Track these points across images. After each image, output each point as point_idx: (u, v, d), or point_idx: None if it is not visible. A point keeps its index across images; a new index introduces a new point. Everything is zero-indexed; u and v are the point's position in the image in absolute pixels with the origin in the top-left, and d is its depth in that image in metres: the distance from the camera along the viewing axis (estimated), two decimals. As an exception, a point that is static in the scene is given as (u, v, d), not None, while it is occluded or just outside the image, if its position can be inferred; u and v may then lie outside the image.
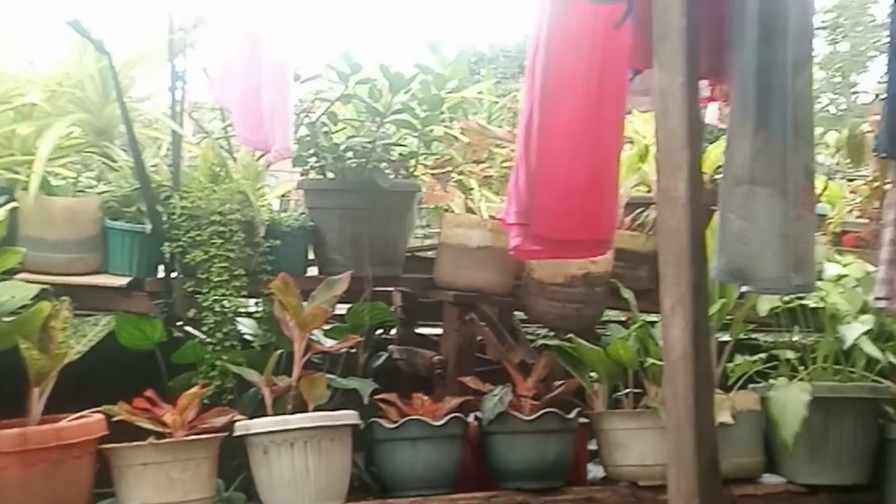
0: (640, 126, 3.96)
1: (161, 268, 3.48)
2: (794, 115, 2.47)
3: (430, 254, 4.02)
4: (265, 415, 3.18)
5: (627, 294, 3.64)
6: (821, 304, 3.55)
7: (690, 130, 2.17)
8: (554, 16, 2.85)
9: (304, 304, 3.33)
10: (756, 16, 2.41)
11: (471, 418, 3.43)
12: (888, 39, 2.79)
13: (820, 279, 3.61)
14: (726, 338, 3.64)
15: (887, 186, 3.94)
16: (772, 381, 3.49)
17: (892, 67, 2.74)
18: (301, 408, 3.21)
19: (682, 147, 2.18)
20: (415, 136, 3.83)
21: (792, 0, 2.49)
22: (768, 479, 3.51)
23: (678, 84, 2.16)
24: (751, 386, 3.56)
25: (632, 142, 4.08)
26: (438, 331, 3.80)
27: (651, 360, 3.41)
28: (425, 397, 3.42)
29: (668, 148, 2.21)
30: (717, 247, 2.48)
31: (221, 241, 3.37)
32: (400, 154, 3.84)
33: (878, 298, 2.87)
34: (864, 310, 3.52)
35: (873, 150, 2.90)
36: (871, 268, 3.67)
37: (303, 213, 3.87)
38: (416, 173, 3.90)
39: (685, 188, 2.18)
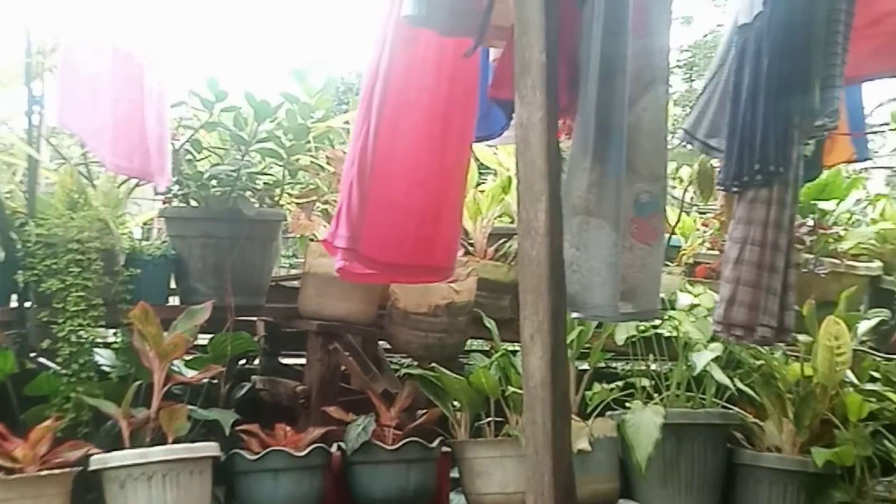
0: (504, 158, 4.04)
1: (14, 297, 3.38)
2: (630, 149, 2.59)
3: (294, 283, 4.01)
4: (122, 448, 3.11)
5: (490, 323, 3.70)
6: (674, 333, 3.67)
7: (550, 162, 2.22)
8: (397, 43, 2.87)
9: (165, 333, 3.27)
10: (598, 55, 2.51)
11: (334, 448, 3.42)
12: (726, 82, 2.93)
13: (673, 308, 3.75)
14: (585, 366, 3.74)
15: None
16: (628, 406, 3.59)
17: (732, 108, 2.87)
18: (160, 440, 3.15)
19: (541, 178, 2.23)
20: (280, 165, 3.82)
21: (634, 41, 2.60)
22: (624, 504, 3.61)
23: (538, 118, 2.22)
24: (608, 413, 3.65)
25: (496, 173, 4.16)
26: (302, 361, 3.78)
27: (512, 389, 3.47)
28: (288, 428, 3.40)
29: (529, 179, 2.26)
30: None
31: (79, 269, 3.29)
32: (265, 183, 3.83)
33: (714, 323, 2.94)
34: (714, 338, 3.66)
35: (717, 184, 3.03)
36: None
37: (165, 242, 3.81)
38: (281, 202, 3.89)
39: (545, 218, 2.23)
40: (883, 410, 3.50)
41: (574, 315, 2.88)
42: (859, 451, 3.45)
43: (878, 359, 3.75)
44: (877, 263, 4.31)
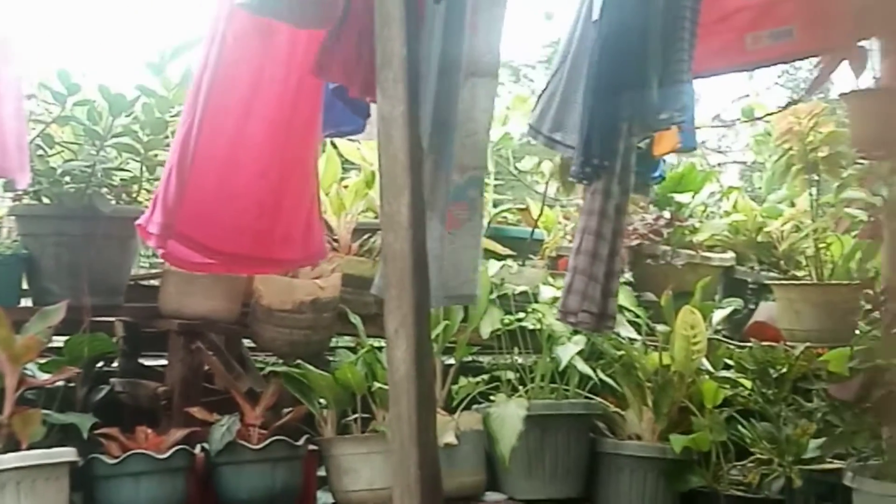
0: (368, 153, 4.03)
1: None
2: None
3: (154, 282, 3.91)
4: (-28, 455, 2.98)
5: (355, 319, 3.68)
6: (538, 326, 3.73)
7: (412, 156, 2.23)
8: (234, 32, 2.85)
9: (17, 336, 3.15)
10: (439, 51, 2.54)
11: (198, 450, 3.35)
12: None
13: (536, 301, 3.81)
14: (451, 361, 3.76)
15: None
16: (493, 399, 3.63)
17: (591, 102, 2.94)
18: (13, 447, 3.02)
19: (404, 171, 2.23)
20: (138, 161, 3.71)
21: (471, 39, 2.65)
22: (490, 496, 3.64)
23: (400, 111, 2.21)
24: (474, 407, 3.68)
25: (359, 169, 4.14)
26: (164, 361, 3.69)
27: (378, 384, 3.47)
28: (149, 430, 3.31)
29: (391, 173, 2.26)
30: (381, 264, 2.57)
31: (-77, 270, 3.14)
32: (122, 179, 3.71)
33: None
34: (576, 331, 3.73)
35: (570, 175, 3.09)
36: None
37: (16, 241, 3.66)
38: (139, 199, 3.78)
39: (408, 212, 2.23)
40: (736, 396, 3.64)
41: None
42: (715, 436, 3.58)
43: (732, 347, 3.89)
44: (730, 254, 4.47)
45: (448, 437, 3.45)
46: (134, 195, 3.74)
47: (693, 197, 4.61)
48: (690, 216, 4.57)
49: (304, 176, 3.14)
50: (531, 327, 3.77)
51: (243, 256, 3.12)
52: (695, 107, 3.71)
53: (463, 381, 3.71)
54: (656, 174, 3.52)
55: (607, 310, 2.88)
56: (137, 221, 3.01)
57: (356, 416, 3.58)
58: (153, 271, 4.35)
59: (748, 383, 3.62)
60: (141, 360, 3.87)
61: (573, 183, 4.26)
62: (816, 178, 3.68)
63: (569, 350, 3.60)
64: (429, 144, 2.56)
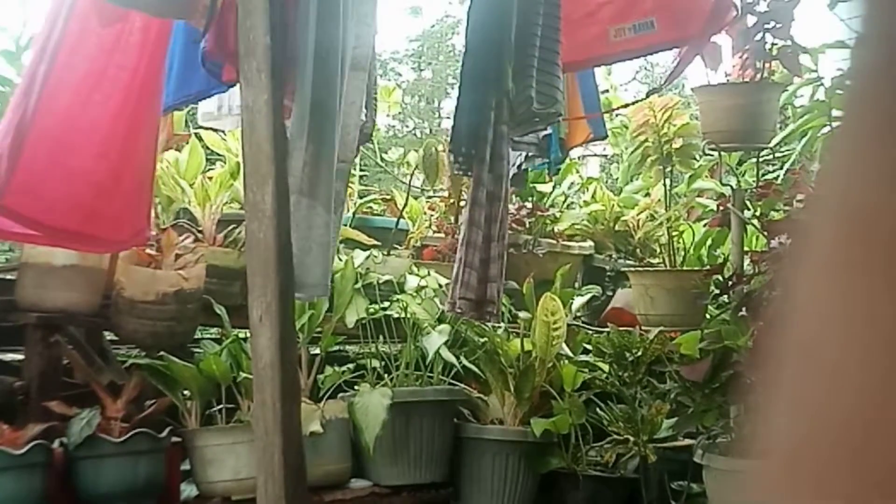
0: (233, 144, 4.00)
1: None
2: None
3: (10, 276, 3.80)
4: None
5: (220, 310, 3.66)
6: (403, 315, 3.78)
7: (276, 145, 2.24)
8: (80, 19, 2.83)
9: None
10: (313, 38, 2.55)
11: (56, 444, 3.28)
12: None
13: (401, 291, 3.86)
14: (317, 350, 3.77)
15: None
16: (358, 388, 3.66)
17: (460, 93, 3.00)
18: None
19: (268, 160, 2.25)
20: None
21: (344, 31, 2.68)
22: (356, 483, 3.67)
23: (263, 100, 2.23)
24: (340, 395, 3.70)
25: (224, 159, 4.11)
26: (21, 356, 3.60)
27: (244, 375, 3.45)
28: (5, 426, 3.22)
29: (255, 162, 2.27)
30: None
31: None
32: (-26, 168, 3.60)
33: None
34: (440, 319, 3.80)
35: (452, 164, 3.15)
36: (444, 280, 3.97)
37: None
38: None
39: (272, 201, 2.25)
40: (595, 380, 3.76)
41: (296, 296, 2.93)
42: (574, 419, 3.70)
43: (591, 332, 4.02)
44: (589, 243, 4.61)
45: (314, 426, 3.46)
46: (-13, 185, 3.63)
47: (554, 188, 4.73)
48: (552, 206, 4.69)
49: (145, 158, 3.16)
50: (396, 316, 3.81)
51: (71, 232, 3.11)
52: (598, 95, 3.83)
53: (329, 370, 3.72)
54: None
55: (486, 295, 2.93)
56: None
57: (221, 406, 3.56)
58: (9, 265, 4.23)
59: (606, 367, 3.74)
60: (-4, 355, 3.76)
61: (437, 173, 4.36)
62: (670, 169, 3.82)
63: (434, 340, 3.65)
64: (309, 134, 2.56)
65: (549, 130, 3.66)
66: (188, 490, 3.61)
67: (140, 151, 3.11)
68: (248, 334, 2.60)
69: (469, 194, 2.93)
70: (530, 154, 3.29)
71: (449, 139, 2.98)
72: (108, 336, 3.83)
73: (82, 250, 3.42)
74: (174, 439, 3.49)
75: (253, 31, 2.25)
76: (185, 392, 3.55)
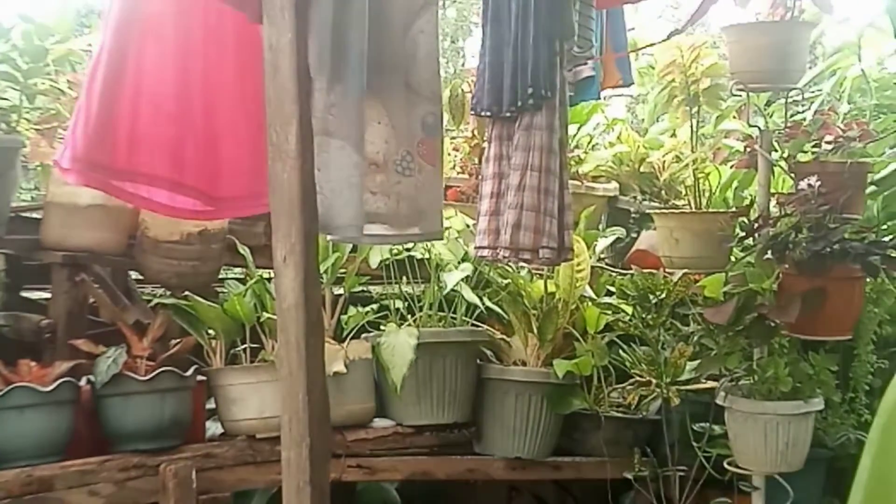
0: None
1: None
2: (411, 73, 2.60)
3: (36, 214, 3.82)
4: None
5: (244, 250, 3.67)
6: (426, 255, 3.78)
7: (300, 85, 2.23)
8: None
9: None
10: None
11: (83, 382, 3.32)
12: (484, 5, 3.00)
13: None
14: (341, 291, 3.78)
15: (485, 144, 4.25)
16: (382, 329, 3.67)
17: (488, 31, 2.95)
18: None
19: (292, 101, 2.24)
20: (17, 90, 3.60)
21: None
22: (379, 422, 3.70)
23: (287, 39, 2.21)
24: (363, 336, 3.72)
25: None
26: (48, 295, 3.63)
27: (268, 315, 3.48)
28: (33, 363, 3.26)
29: (279, 102, 2.26)
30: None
31: None
32: (0, 108, 3.60)
33: (479, 248, 3.05)
34: (464, 259, 3.79)
35: (472, 109, 3.10)
36: (470, 220, 3.96)
37: None
38: (18, 129, 3.68)
39: (296, 142, 2.24)
40: (618, 322, 3.75)
41: (328, 238, 2.92)
42: (596, 361, 3.71)
43: (614, 274, 4.01)
44: (614, 184, 4.58)
45: (337, 366, 3.49)
46: (13, 125, 3.64)
47: (579, 129, 4.69)
48: (576, 147, 4.65)
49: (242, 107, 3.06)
50: (420, 257, 3.81)
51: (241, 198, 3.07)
52: (626, 38, 3.76)
53: (352, 310, 3.73)
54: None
55: (565, 242, 2.92)
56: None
57: (245, 346, 3.59)
58: (34, 203, 4.25)
59: (629, 309, 3.73)
60: (23, 294, 3.80)
61: (463, 114, 4.32)
62: (697, 109, 3.77)
63: (454, 276, 3.65)
64: (331, 74, 2.53)
65: (592, 72, 3.62)
66: (213, 428, 3.65)
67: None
68: (273, 275, 2.61)
69: (528, 140, 2.85)
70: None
71: (518, 78, 2.87)
72: (134, 276, 3.86)
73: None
74: (199, 378, 3.52)
75: (275, -31, 2.22)
76: (210, 332, 3.58)
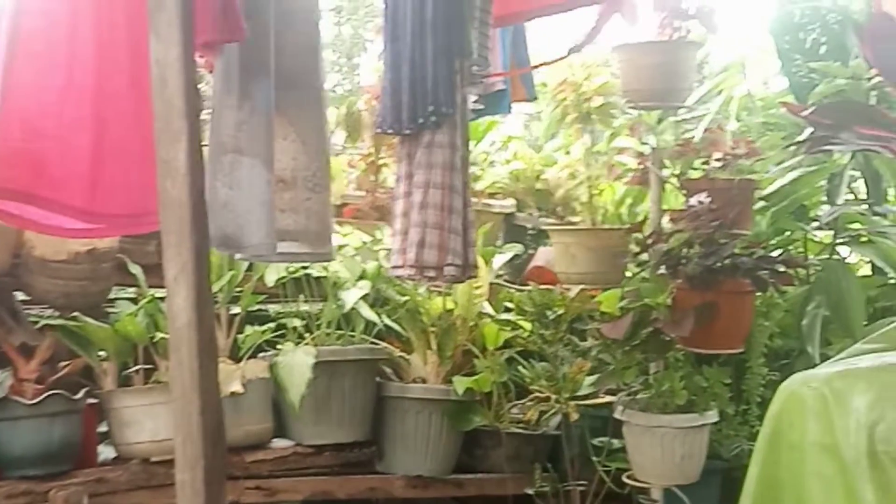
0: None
1: None
2: (317, 89, 2.59)
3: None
4: None
5: (136, 269, 3.59)
6: (324, 273, 3.75)
7: (188, 100, 2.18)
8: None
9: None
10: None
11: (-33, 408, 3.20)
12: (384, 23, 2.99)
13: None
14: (237, 310, 3.72)
15: (388, 160, 4.25)
16: (280, 348, 3.63)
17: (388, 49, 2.94)
18: None
19: (180, 117, 2.19)
20: None
21: None
22: (278, 443, 3.65)
23: (175, 55, 2.16)
24: (261, 355, 3.67)
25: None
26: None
27: (161, 335, 3.40)
28: (-87, 389, 3.14)
29: (167, 118, 2.21)
30: (209, 215, 2.51)
31: None
32: None
33: (394, 267, 3.03)
34: (362, 277, 3.77)
35: (377, 127, 3.08)
36: (366, 237, 3.95)
37: None
38: None
39: (185, 158, 2.19)
40: (516, 338, 3.78)
41: (237, 256, 2.88)
42: (496, 377, 3.71)
43: (512, 290, 4.03)
44: (510, 201, 4.61)
45: (234, 386, 3.43)
46: None
47: (475, 146, 4.71)
48: (473, 164, 4.67)
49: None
50: (317, 275, 3.78)
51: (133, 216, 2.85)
52: (528, 53, 3.79)
53: (249, 329, 3.68)
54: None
55: (469, 260, 2.92)
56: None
57: (138, 367, 3.51)
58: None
59: (527, 325, 3.76)
60: None
61: (360, 131, 4.30)
62: (590, 127, 3.82)
63: (353, 294, 3.63)
64: (239, 91, 2.50)
65: (504, 86, 3.65)
66: (105, 452, 3.56)
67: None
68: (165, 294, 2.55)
69: (430, 158, 2.85)
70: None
71: (429, 94, 2.86)
72: (20, 296, 3.74)
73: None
74: (90, 401, 3.43)
75: (164, -17, 2.18)
76: (101, 353, 3.49)
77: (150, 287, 3.57)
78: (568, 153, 4.41)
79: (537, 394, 3.72)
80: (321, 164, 2.77)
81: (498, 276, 4.13)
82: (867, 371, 1.88)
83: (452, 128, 2.85)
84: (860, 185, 4.09)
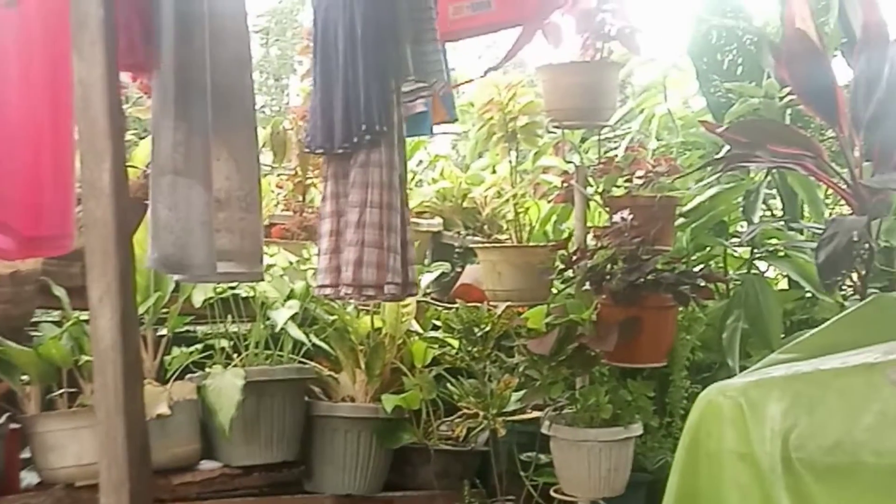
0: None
1: None
2: (249, 109, 2.60)
3: None
4: None
5: (60, 291, 3.55)
6: (252, 294, 3.74)
7: (112, 121, 2.18)
8: None
9: None
10: (172, 13, 2.48)
11: None
12: (313, 43, 3.00)
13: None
14: (163, 331, 3.69)
15: (315, 180, 4.26)
16: (208, 369, 3.60)
17: (318, 68, 2.96)
18: None
19: (105, 137, 2.18)
20: None
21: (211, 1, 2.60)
22: (206, 465, 3.61)
23: (98, 74, 2.16)
24: (188, 376, 3.64)
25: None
26: None
27: (86, 358, 3.36)
28: None
29: (91, 138, 2.20)
30: (150, 237, 2.51)
31: None
32: None
33: (320, 286, 3.05)
34: (290, 296, 3.77)
35: (305, 146, 3.10)
36: (293, 257, 3.95)
37: None
38: None
39: (109, 178, 2.19)
40: (444, 355, 3.80)
41: (177, 278, 2.87)
42: (424, 394, 3.74)
43: (440, 308, 4.06)
44: (438, 220, 4.65)
45: (161, 408, 3.40)
46: None
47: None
48: (401, 184, 4.69)
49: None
50: (245, 295, 3.77)
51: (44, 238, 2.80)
52: (449, 78, 3.84)
53: (176, 351, 3.65)
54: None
55: (409, 278, 2.94)
56: None
57: (62, 391, 3.46)
58: None
59: (455, 342, 3.79)
60: None
61: (285, 151, 4.31)
62: (515, 146, 3.87)
63: (282, 315, 3.63)
64: (175, 113, 2.50)
65: (425, 108, 3.69)
66: (29, 478, 3.49)
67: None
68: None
69: (367, 177, 2.87)
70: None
71: (352, 114, 2.87)
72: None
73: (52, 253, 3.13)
74: (13, 426, 3.37)
75: (84, 3, 2.18)
76: (24, 377, 3.44)
77: (75, 309, 3.53)
78: (494, 172, 4.47)
79: (465, 410, 3.75)
80: (253, 183, 2.78)
81: (426, 294, 4.16)
82: (781, 380, 1.94)
83: (390, 146, 2.89)
84: (777, 202, 4.21)
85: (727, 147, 3.42)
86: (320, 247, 3.02)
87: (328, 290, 2.98)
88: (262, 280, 3.07)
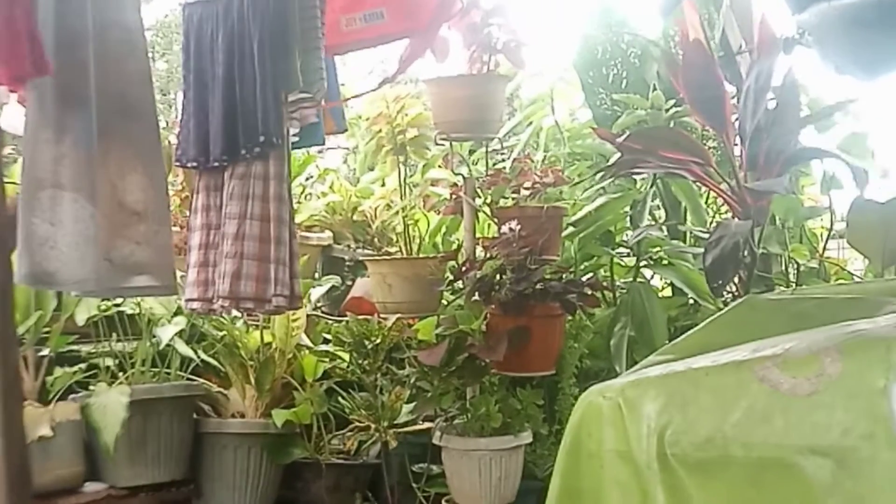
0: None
1: None
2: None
3: None
4: None
5: (-66, 312, 3.43)
6: (137, 311, 3.67)
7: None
8: None
9: None
10: (52, 24, 2.44)
11: None
12: (183, 57, 2.99)
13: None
14: (45, 351, 3.60)
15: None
16: (92, 387, 3.52)
17: (191, 82, 2.94)
18: None
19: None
20: None
21: (95, 9, 2.56)
22: (90, 486, 3.52)
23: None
24: (72, 397, 3.55)
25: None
26: None
27: (-37, 380, 3.25)
28: None
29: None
30: (21, 252, 2.45)
31: None
32: None
33: (189, 300, 3.03)
34: (177, 313, 3.71)
35: (176, 160, 3.08)
36: (180, 273, 3.88)
37: None
38: None
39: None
40: (335, 369, 3.79)
41: (57, 289, 2.80)
42: (315, 408, 3.72)
43: (331, 321, 4.04)
44: (328, 233, 4.64)
45: (43, 430, 3.31)
46: None
47: (293, 179, 4.71)
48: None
49: None
50: (130, 312, 3.70)
51: None
52: (338, 85, 3.83)
53: (59, 371, 3.56)
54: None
55: (295, 290, 2.91)
56: None
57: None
58: None
59: (346, 356, 3.78)
60: None
61: (169, 165, 4.24)
62: (404, 158, 3.89)
63: (168, 331, 3.57)
64: (55, 125, 2.44)
65: (317, 118, 3.68)
66: None
67: None
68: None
69: (250, 189, 2.85)
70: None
71: (258, 125, 2.85)
72: None
73: None
74: None
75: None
76: None
77: (-50, 330, 3.41)
78: (384, 185, 4.47)
79: (357, 423, 3.74)
80: (164, 196, 2.76)
81: (316, 308, 4.14)
82: (657, 379, 1.99)
83: (280, 158, 2.88)
84: (661, 213, 4.31)
85: (618, 154, 3.48)
86: (189, 260, 3.00)
87: (196, 304, 2.97)
88: (176, 294, 3.03)
